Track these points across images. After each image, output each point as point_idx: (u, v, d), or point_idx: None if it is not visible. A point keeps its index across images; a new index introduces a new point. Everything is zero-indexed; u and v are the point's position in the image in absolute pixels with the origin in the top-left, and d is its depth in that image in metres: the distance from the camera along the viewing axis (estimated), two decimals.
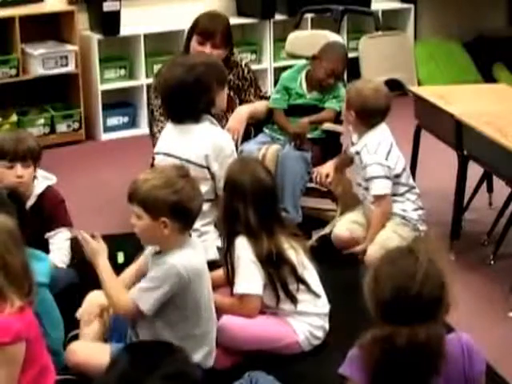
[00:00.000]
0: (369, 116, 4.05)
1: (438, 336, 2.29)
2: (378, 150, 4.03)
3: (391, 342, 2.25)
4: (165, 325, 3.08)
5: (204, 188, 3.73)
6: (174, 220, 3.03)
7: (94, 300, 3.31)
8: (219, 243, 3.73)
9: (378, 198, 4.03)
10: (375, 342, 2.28)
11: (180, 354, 2.43)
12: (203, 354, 3.15)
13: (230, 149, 3.85)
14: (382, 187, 4.02)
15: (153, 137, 4.46)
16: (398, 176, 4.07)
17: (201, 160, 3.78)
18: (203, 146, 3.78)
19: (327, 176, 4.36)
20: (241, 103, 4.55)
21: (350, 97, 4.11)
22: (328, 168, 4.38)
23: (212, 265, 3.60)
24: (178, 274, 3.01)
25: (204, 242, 3.71)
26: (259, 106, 4.60)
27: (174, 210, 3.02)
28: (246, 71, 4.60)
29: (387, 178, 4.01)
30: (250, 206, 3.38)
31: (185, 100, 3.80)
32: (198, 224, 3.71)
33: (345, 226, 4.14)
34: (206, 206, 3.77)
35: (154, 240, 3.12)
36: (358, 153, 4.09)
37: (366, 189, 4.13)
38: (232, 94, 4.51)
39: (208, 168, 3.79)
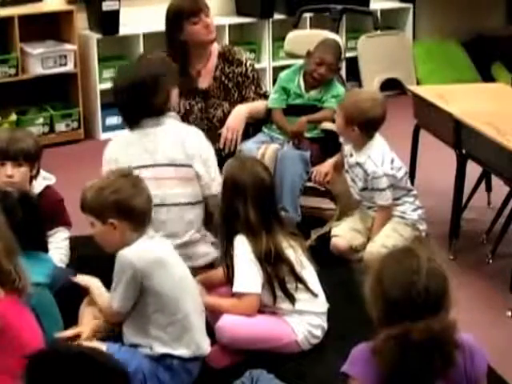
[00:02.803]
0: (371, 127, 4.00)
1: (451, 325, 2.31)
2: (384, 160, 3.99)
3: (407, 338, 2.25)
4: (145, 318, 3.10)
5: (187, 189, 3.68)
6: (120, 219, 3.09)
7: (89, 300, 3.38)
8: (211, 249, 3.75)
9: (383, 207, 4.02)
10: (390, 342, 2.27)
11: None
12: (192, 341, 3.14)
13: (201, 143, 3.74)
14: (387, 198, 3.99)
15: None
16: (399, 181, 4.06)
17: (179, 160, 3.67)
18: (175, 145, 3.68)
19: (326, 175, 4.36)
20: (240, 99, 4.55)
21: (348, 113, 3.98)
22: (327, 167, 4.38)
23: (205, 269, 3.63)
24: (130, 263, 3.04)
25: (195, 249, 3.71)
26: (258, 105, 4.58)
27: (116, 209, 3.08)
28: (249, 70, 4.56)
29: (392, 186, 4.00)
30: (250, 204, 3.38)
31: (140, 99, 3.66)
32: (186, 237, 3.69)
33: (344, 236, 4.07)
34: (191, 215, 3.72)
35: (112, 244, 3.15)
36: (359, 164, 4.03)
37: (361, 200, 4.13)
38: (231, 86, 4.50)
39: (190, 166, 3.69)
